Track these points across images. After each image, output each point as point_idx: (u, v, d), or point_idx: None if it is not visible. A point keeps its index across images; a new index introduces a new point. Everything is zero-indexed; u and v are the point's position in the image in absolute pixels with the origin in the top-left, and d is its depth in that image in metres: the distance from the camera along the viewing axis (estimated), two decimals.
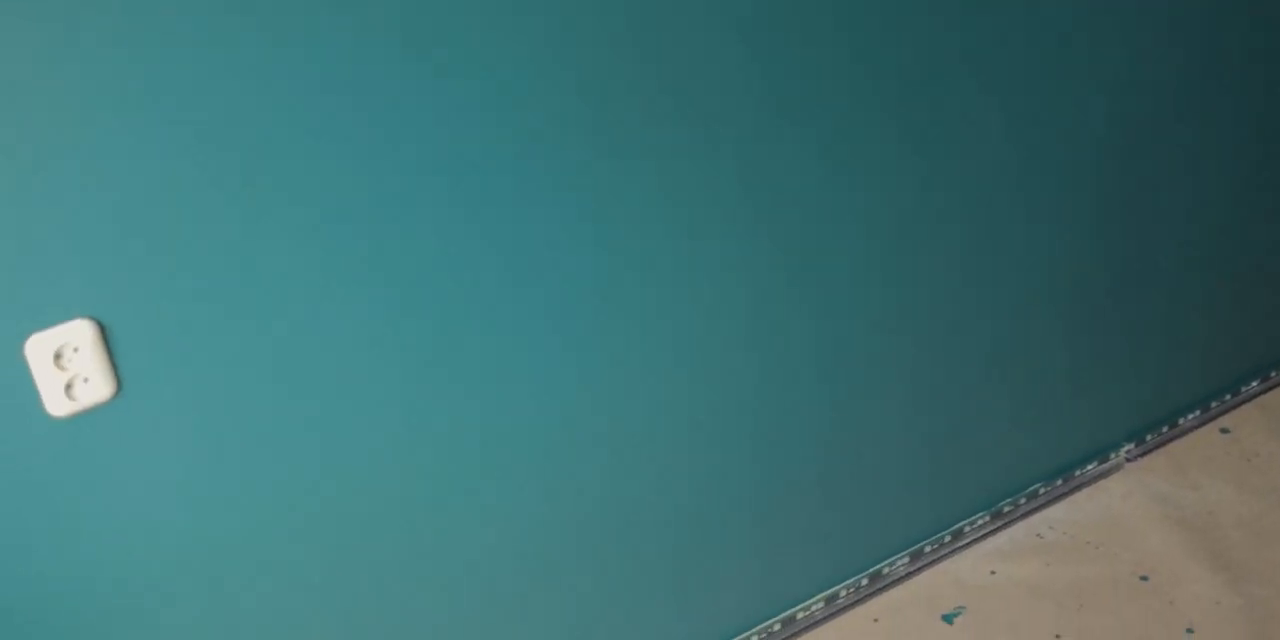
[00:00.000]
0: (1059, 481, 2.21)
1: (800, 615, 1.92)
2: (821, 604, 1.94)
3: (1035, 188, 1.82)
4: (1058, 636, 1.91)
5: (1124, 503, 2.21)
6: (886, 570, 2.01)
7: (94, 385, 1.14)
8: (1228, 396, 2.43)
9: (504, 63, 1.25)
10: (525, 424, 1.46)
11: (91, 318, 1.11)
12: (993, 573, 2.05)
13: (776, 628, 1.89)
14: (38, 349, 1.10)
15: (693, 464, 1.66)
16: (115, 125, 1.06)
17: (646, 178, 1.41)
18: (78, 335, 1.11)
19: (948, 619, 1.95)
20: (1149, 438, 2.33)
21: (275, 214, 1.17)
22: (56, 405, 1.13)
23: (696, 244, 1.49)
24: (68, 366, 1.12)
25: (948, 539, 2.08)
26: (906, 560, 2.03)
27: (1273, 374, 2.47)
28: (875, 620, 1.96)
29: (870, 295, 1.71)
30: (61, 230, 1.07)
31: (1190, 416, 2.39)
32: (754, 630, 1.87)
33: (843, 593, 1.96)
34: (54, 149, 1.04)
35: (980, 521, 2.11)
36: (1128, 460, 2.31)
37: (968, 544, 2.10)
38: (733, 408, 1.66)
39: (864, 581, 1.98)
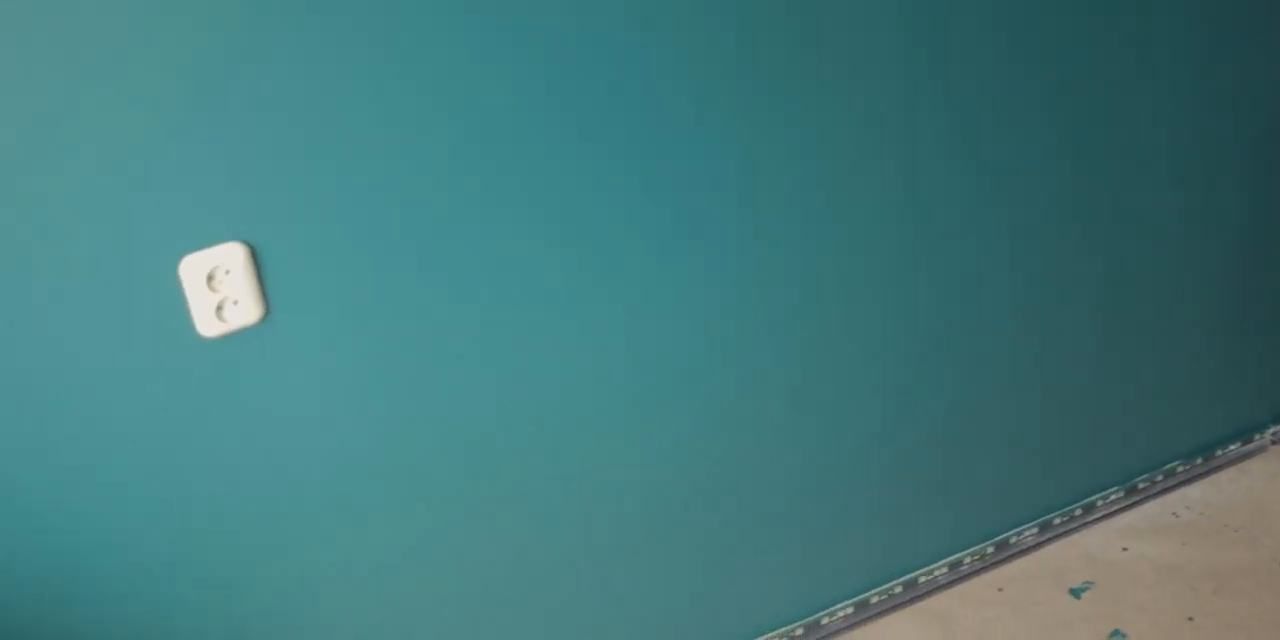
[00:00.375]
0: (1199, 460, 2.14)
1: (922, 579, 1.89)
2: (945, 569, 1.91)
3: (1187, 162, 1.74)
4: (1190, 619, 1.85)
5: (1268, 486, 2.12)
6: (1014, 540, 1.96)
7: (243, 308, 1.15)
8: None
9: (674, 19, 1.23)
10: (670, 364, 1.45)
11: (244, 241, 1.12)
12: (1125, 549, 1.99)
13: (898, 590, 1.87)
14: (192, 270, 1.11)
15: (824, 421, 1.63)
16: (275, 50, 1.06)
17: (798, 136, 1.38)
18: (230, 258, 1.12)
19: (1075, 593, 1.90)
20: None
21: (433, 144, 1.17)
22: (207, 326, 1.14)
23: (838, 218, 1.46)
24: (219, 288, 1.13)
25: (1078, 512, 2.02)
26: (1035, 531, 1.98)
27: None
28: (1000, 589, 1.92)
29: (1015, 262, 1.66)
30: (219, 153, 1.08)
31: None
32: (874, 591, 1.85)
33: (967, 559, 1.93)
34: (214, 75, 1.05)
35: (1114, 496, 2.05)
36: (1273, 442, 2.22)
37: (1099, 518, 2.05)
38: (865, 369, 1.62)
39: (990, 550, 1.94)
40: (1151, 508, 2.08)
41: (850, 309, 1.55)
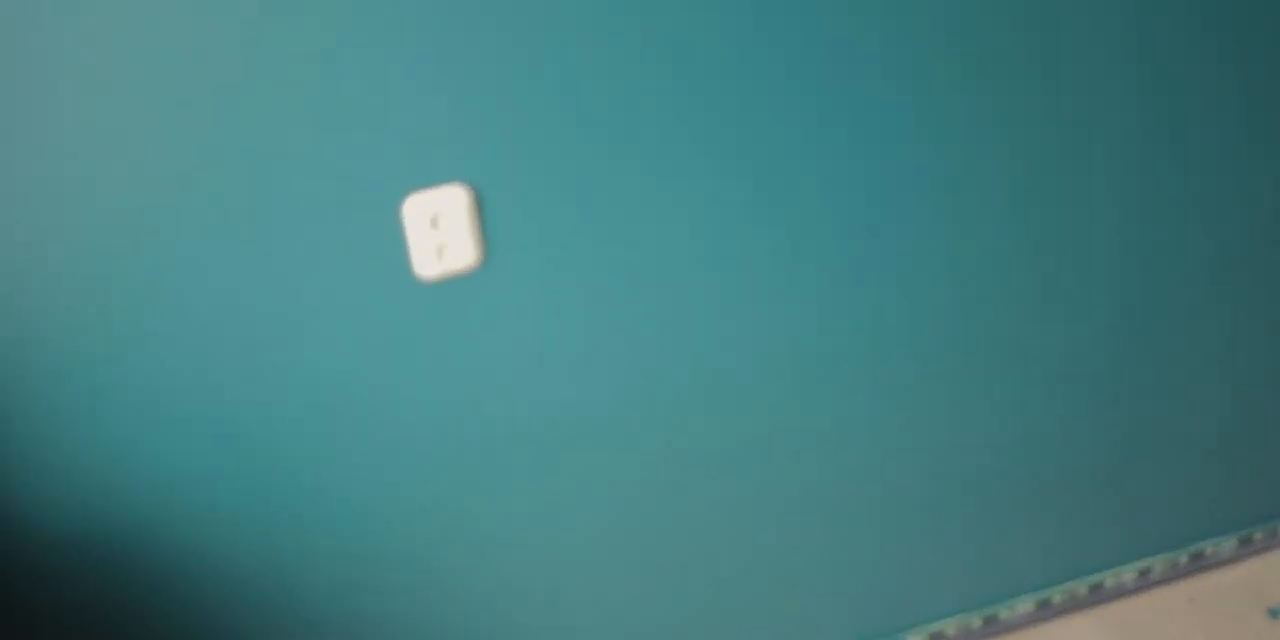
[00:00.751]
0: None
1: (1109, 582, 1.82)
2: (1134, 574, 1.84)
3: None
4: None
5: None
6: (1210, 551, 1.88)
7: (463, 251, 1.17)
8: None
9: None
10: (865, 347, 1.43)
11: (467, 184, 1.14)
12: None
13: (1082, 591, 1.81)
14: (415, 210, 1.13)
15: (1019, 413, 1.58)
16: None
17: (1005, 131, 1.33)
18: (453, 200, 1.14)
19: (1274, 614, 1.81)
20: None
21: (661, 95, 1.16)
22: (426, 267, 1.16)
23: (1044, 217, 1.40)
24: (440, 229, 1.15)
25: None
26: (1234, 544, 1.89)
27: None
28: (1191, 600, 1.84)
29: (1220, 267, 1.58)
30: (446, 94, 1.09)
31: None
32: (1057, 589, 1.79)
33: (1157, 566, 1.85)
34: (444, 15, 1.06)
35: None
36: None
37: None
38: (1066, 363, 1.57)
39: (1183, 559, 1.86)
40: None
41: (1051, 299, 1.50)
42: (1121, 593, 1.84)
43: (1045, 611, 1.80)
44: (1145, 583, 1.85)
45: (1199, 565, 1.88)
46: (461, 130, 1.12)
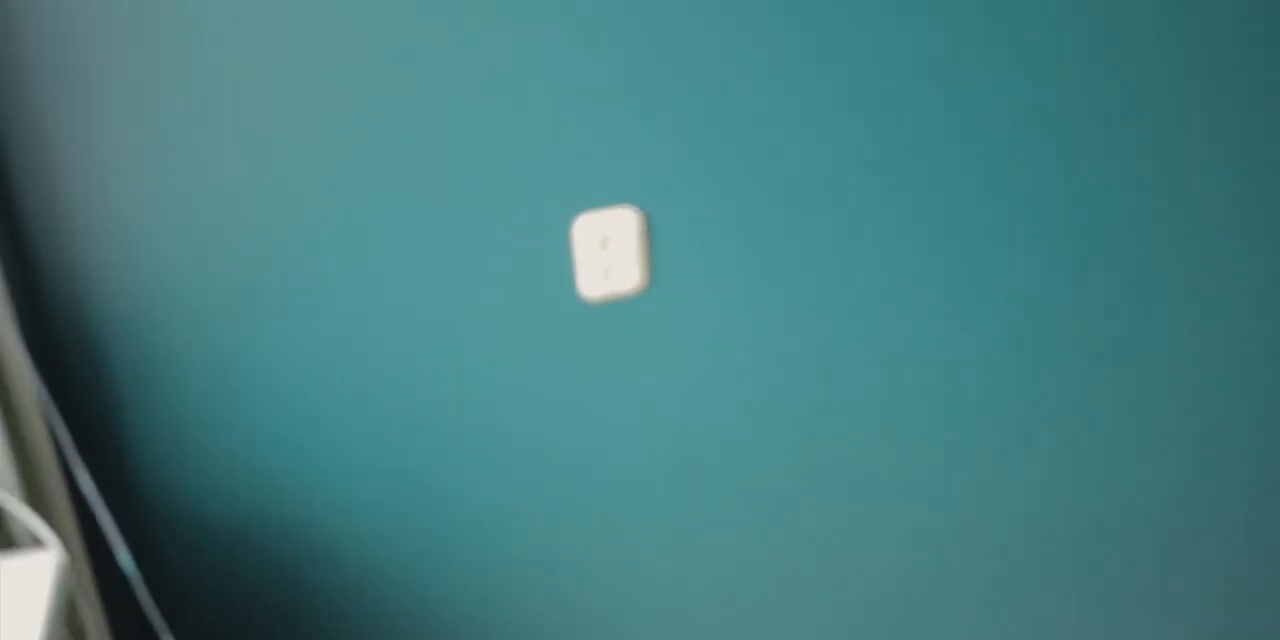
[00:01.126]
0: None
1: None
2: None
3: None
4: None
5: None
6: None
7: (629, 273, 1.17)
8: None
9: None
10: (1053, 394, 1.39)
11: (637, 207, 1.14)
12: None
13: None
14: (586, 230, 1.14)
15: (1171, 499, 1.52)
16: (690, 18, 1.07)
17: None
18: (623, 222, 1.14)
19: None
20: None
21: (832, 130, 1.15)
22: (591, 287, 1.17)
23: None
24: (609, 250, 1.15)
25: None
26: None
27: None
28: None
29: None
30: (624, 116, 1.10)
31: None
32: None
33: None
34: (629, 40, 1.06)
35: None
36: None
37: None
38: (1228, 449, 1.50)
39: None
40: None
41: (1209, 379, 1.44)
42: None
43: None
44: None
45: None
46: (636, 154, 1.12)
